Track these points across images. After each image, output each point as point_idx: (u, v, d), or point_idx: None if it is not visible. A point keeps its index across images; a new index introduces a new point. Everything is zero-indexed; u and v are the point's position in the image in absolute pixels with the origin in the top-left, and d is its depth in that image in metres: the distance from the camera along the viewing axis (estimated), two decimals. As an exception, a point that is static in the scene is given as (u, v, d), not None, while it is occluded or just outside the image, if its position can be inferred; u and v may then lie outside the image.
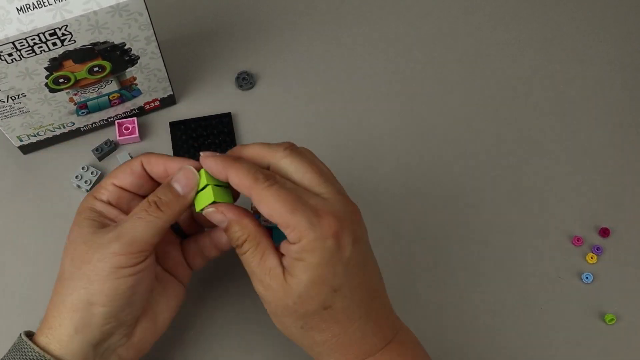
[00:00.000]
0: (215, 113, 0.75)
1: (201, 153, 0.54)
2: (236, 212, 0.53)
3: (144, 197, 0.56)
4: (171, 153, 0.73)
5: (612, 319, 0.66)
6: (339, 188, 0.53)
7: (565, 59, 0.79)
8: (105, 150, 0.71)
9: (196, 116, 0.74)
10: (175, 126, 0.74)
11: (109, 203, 0.56)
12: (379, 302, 0.55)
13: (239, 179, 0.51)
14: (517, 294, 0.68)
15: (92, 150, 0.71)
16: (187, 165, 0.55)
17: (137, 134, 0.72)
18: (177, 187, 0.54)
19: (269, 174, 0.52)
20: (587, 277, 0.68)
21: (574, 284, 0.68)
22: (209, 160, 0.53)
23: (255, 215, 0.55)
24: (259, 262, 0.52)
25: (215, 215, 0.54)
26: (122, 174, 0.57)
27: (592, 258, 0.69)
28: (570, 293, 0.68)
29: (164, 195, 0.54)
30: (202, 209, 0.54)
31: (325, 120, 0.75)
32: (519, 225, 0.71)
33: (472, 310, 0.67)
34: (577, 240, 0.70)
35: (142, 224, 0.53)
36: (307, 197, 0.51)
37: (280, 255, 0.52)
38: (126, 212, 0.56)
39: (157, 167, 0.57)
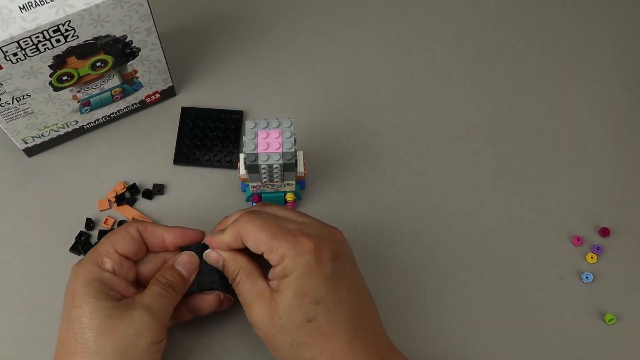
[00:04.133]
0: (215, 103, 0.75)
1: (206, 240, 0.61)
2: (231, 250, 0.60)
3: (135, 261, 0.61)
4: (175, 137, 0.73)
5: (612, 319, 0.67)
6: (314, 218, 0.59)
7: (565, 59, 0.80)
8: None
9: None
10: (186, 111, 0.74)
11: (114, 272, 0.58)
12: (367, 321, 0.57)
13: (226, 238, 0.58)
14: (517, 294, 0.68)
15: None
16: (187, 237, 0.61)
17: None
18: (182, 270, 0.60)
19: (249, 210, 0.59)
20: (587, 277, 0.68)
21: (574, 284, 0.69)
22: (211, 250, 0.60)
23: None
24: (250, 289, 0.57)
25: (212, 255, 0.60)
26: (124, 241, 0.59)
27: (592, 258, 0.69)
28: (570, 293, 0.68)
29: (173, 278, 0.59)
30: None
31: (325, 120, 0.75)
32: (519, 225, 0.71)
33: (472, 310, 0.68)
34: (577, 240, 0.70)
35: (166, 302, 0.58)
36: (286, 223, 0.57)
37: (269, 281, 0.57)
38: (126, 280, 0.59)
39: (154, 238, 0.61)
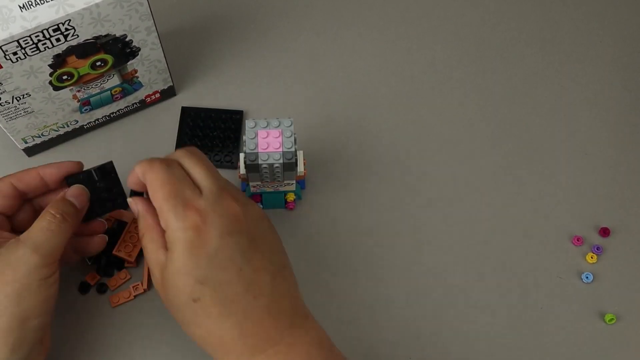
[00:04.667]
0: (215, 103, 0.76)
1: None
2: (145, 207, 0.58)
3: (9, 216, 0.60)
4: (175, 137, 0.73)
5: (612, 319, 0.67)
6: (224, 185, 0.56)
7: (565, 59, 0.80)
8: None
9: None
10: (186, 111, 0.74)
11: None
12: (265, 301, 0.53)
13: (134, 173, 0.57)
14: (517, 294, 0.68)
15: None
16: (71, 166, 0.61)
17: None
18: (74, 201, 0.59)
19: (164, 159, 0.57)
20: (587, 277, 0.68)
21: (574, 284, 0.69)
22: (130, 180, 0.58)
23: None
24: (150, 255, 0.56)
25: (133, 205, 0.58)
26: None
27: (592, 258, 0.69)
28: (570, 293, 0.68)
29: (66, 207, 0.58)
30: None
31: (325, 120, 0.75)
32: (519, 225, 0.71)
33: (472, 310, 0.68)
34: (577, 240, 0.70)
35: (55, 235, 0.56)
36: (184, 187, 0.54)
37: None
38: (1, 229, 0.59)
39: (32, 180, 0.60)
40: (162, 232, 0.55)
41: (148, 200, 0.57)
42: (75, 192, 0.60)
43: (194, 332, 0.54)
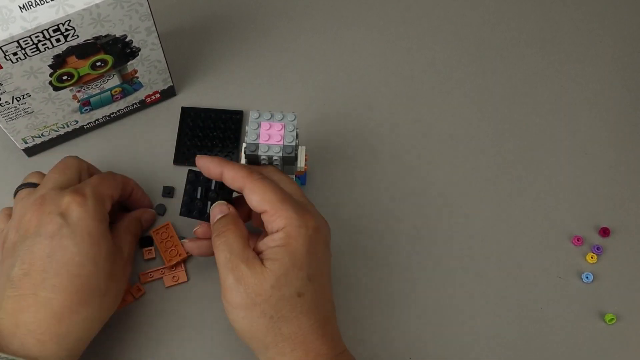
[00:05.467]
0: (215, 103, 0.76)
1: (197, 156, 0.60)
2: (234, 210, 0.60)
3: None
4: (175, 137, 0.74)
5: (612, 319, 0.67)
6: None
7: (565, 59, 0.80)
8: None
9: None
10: (186, 111, 0.75)
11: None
12: (332, 317, 0.58)
13: (234, 172, 0.57)
14: (517, 294, 0.68)
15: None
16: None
17: None
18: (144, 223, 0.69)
19: (259, 170, 0.59)
20: (587, 277, 0.68)
21: (574, 284, 0.69)
22: (204, 160, 0.59)
23: None
24: (240, 250, 0.55)
25: (224, 207, 0.59)
26: (116, 191, 0.63)
27: (592, 258, 0.69)
28: (570, 293, 0.68)
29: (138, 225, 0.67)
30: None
31: (325, 120, 0.75)
32: (519, 225, 0.71)
33: (471, 310, 0.68)
34: (577, 240, 0.70)
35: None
36: (292, 197, 0.57)
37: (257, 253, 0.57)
38: None
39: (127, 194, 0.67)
40: (247, 232, 0.58)
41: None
42: (148, 218, 0.69)
43: (279, 329, 0.54)
